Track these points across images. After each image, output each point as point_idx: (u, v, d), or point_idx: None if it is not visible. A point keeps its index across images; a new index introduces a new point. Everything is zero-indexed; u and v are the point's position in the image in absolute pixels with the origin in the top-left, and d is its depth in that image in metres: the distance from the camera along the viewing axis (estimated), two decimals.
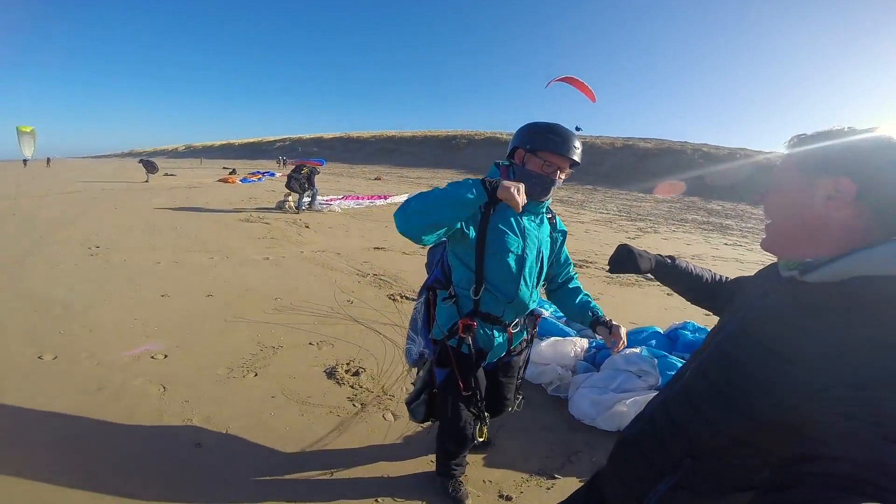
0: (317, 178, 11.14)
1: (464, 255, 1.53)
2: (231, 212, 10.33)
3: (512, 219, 1.51)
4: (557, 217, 1.71)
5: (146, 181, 17.78)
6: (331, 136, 61.36)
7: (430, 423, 1.94)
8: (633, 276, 6.25)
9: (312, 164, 11.49)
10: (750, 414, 0.71)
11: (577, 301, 1.69)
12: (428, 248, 1.90)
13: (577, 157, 1.48)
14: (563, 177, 1.51)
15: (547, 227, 1.64)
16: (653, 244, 9.48)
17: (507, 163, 1.57)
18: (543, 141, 1.46)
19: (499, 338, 1.62)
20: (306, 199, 10.85)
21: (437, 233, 1.31)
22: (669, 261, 1.25)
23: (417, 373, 1.91)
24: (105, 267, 5.17)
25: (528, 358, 1.87)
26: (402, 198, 14.93)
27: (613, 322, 1.53)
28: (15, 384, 2.58)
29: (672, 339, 2.84)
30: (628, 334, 2.95)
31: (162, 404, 2.48)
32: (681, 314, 4.77)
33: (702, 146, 31.04)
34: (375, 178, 26.57)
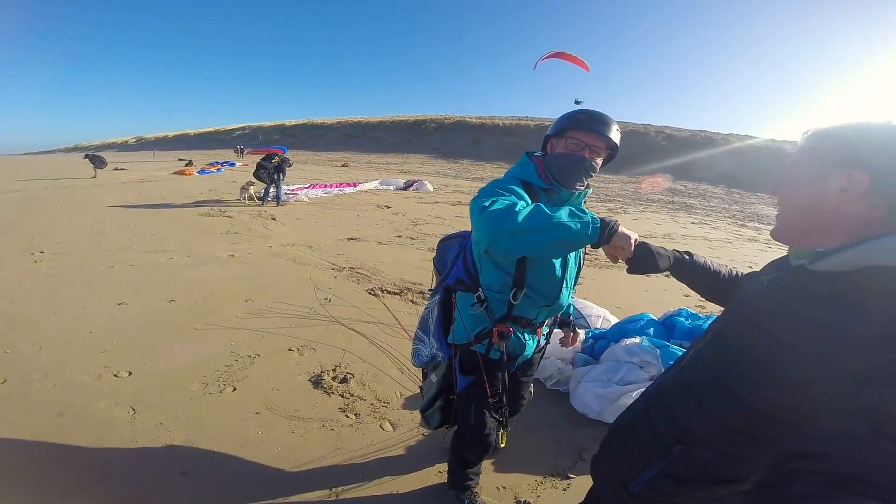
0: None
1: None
2: (190, 206, 9.73)
3: None
4: None
5: (94, 177, 16.43)
6: (293, 123, 58.66)
7: (445, 429, 1.79)
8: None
9: (275, 151, 11.01)
10: (745, 400, 0.71)
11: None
12: (439, 241, 1.74)
13: (610, 134, 1.30)
14: (597, 161, 1.34)
15: None
16: (624, 224, 9.64)
17: (540, 154, 1.44)
18: (570, 122, 1.33)
19: (530, 340, 1.52)
20: (272, 191, 10.34)
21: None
22: (687, 257, 1.18)
23: (424, 375, 1.77)
24: (52, 274, 4.70)
25: (544, 353, 1.77)
26: (373, 185, 14.53)
27: (575, 327, 1.89)
28: None
29: (668, 327, 2.81)
30: (624, 322, 2.97)
31: (134, 429, 2.24)
32: (662, 296, 4.85)
33: (664, 128, 31.89)
34: (343, 165, 25.88)
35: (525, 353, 1.54)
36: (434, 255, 1.77)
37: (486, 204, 1.11)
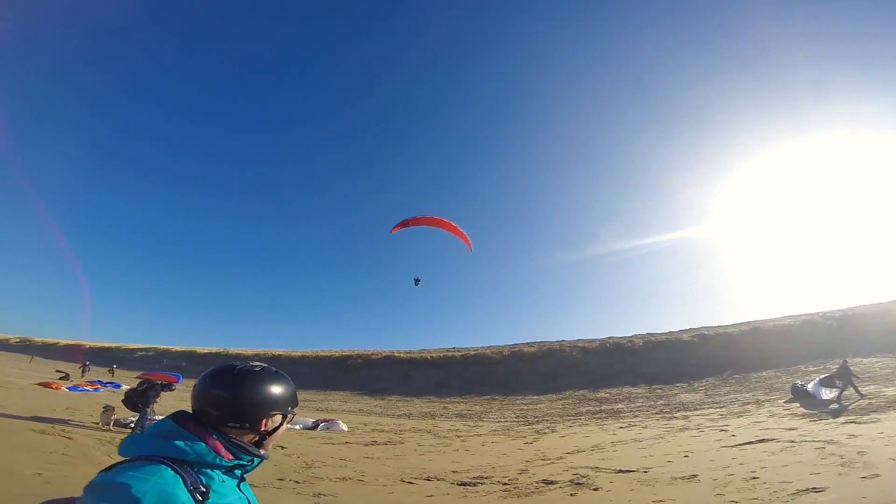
0: (171, 397, 9.34)
1: None
2: (27, 419, 7.87)
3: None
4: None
5: None
6: (205, 351, 53.81)
7: None
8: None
9: (165, 377, 9.52)
10: None
11: None
12: None
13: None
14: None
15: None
16: (551, 445, 8.98)
17: None
18: None
19: None
20: (140, 420, 8.44)
21: None
22: None
23: None
24: None
25: None
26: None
27: None
28: None
29: None
30: None
31: None
32: None
33: (577, 342, 34.08)
34: None
35: None
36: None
37: None
